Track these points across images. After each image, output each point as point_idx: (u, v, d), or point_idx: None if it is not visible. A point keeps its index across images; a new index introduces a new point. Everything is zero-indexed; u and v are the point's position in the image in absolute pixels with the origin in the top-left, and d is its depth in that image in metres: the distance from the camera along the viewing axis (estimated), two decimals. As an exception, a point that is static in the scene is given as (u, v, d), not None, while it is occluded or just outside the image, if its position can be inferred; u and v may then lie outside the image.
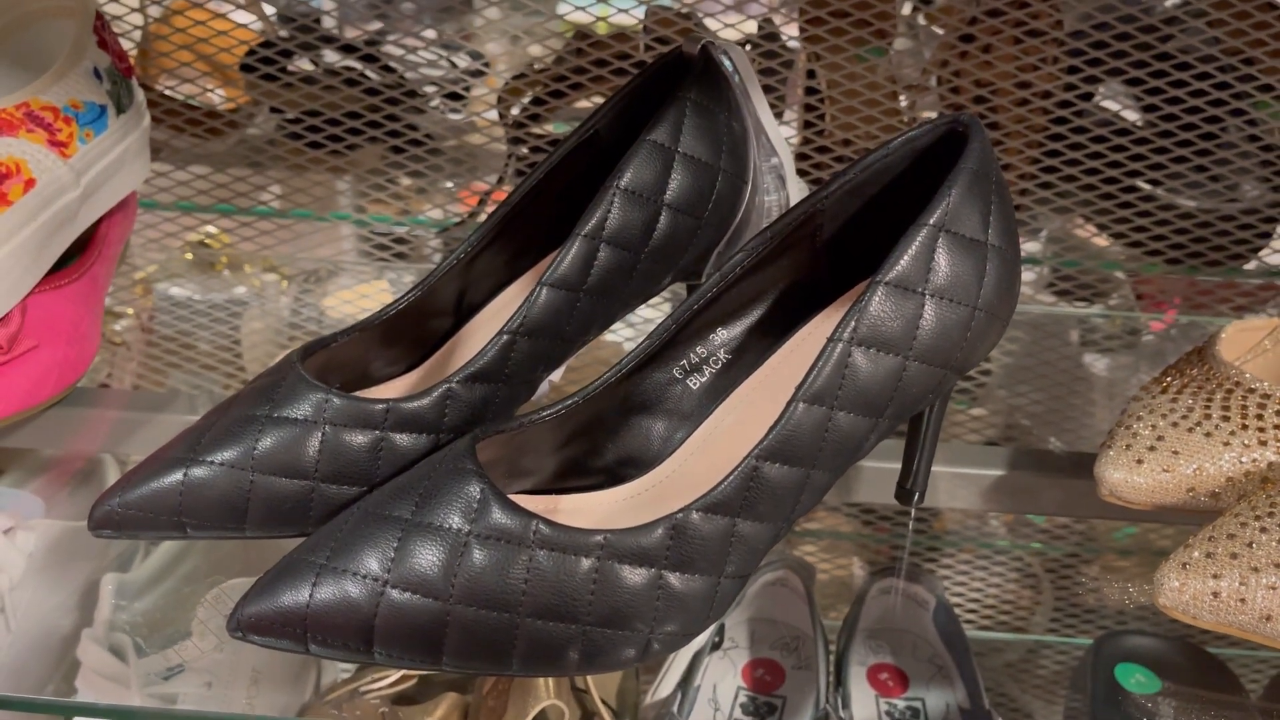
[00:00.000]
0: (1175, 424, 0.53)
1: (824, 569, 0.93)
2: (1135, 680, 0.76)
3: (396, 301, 0.55)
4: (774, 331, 0.51)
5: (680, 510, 0.42)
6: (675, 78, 0.55)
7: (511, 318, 0.50)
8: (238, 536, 0.48)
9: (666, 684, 0.72)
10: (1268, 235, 0.81)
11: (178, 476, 0.47)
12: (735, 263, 0.48)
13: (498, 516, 0.42)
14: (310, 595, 0.41)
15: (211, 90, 0.90)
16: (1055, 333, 0.88)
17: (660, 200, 0.51)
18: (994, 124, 0.78)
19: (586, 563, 0.41)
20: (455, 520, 0.42)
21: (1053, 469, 0.59)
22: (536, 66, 0.77)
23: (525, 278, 0.58)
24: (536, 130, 0.78)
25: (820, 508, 0.85)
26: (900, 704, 0.75)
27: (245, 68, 0.82)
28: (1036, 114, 0.77)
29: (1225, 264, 0.80)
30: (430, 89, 0.91)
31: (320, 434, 0.47)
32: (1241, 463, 0.51)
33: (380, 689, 0.70)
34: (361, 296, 0.92)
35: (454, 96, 0.91)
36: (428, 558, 0.41)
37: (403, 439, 0.48)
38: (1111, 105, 0.83)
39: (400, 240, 0.93)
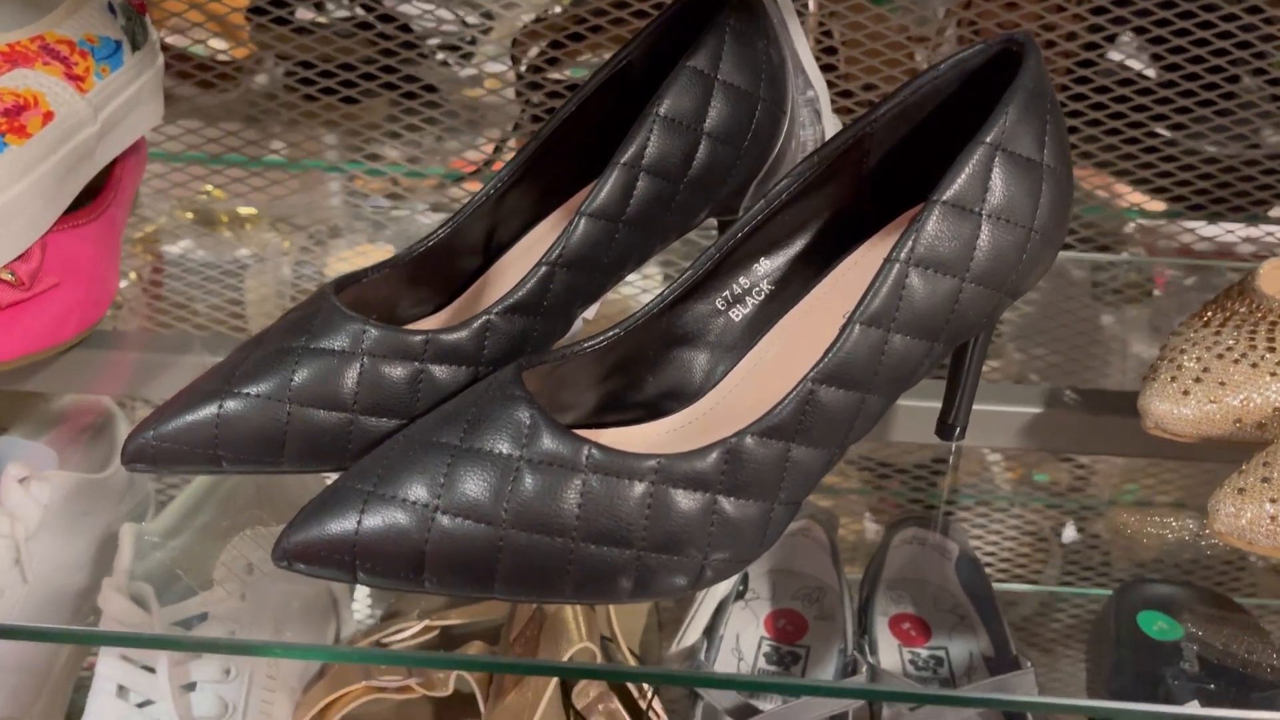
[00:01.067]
0: (1220, 356, 0.52)
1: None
2: (1158, 627, 0.76)
3: (426, 239, 0.54)
4: (817, 261, 0.50)
5: (734, 434, 0.41)
6: (711, 6, 0.53)
7: (550, 249, 0.49)
8: (274, 471, 0.47)
9: (691, 633, 0.71)
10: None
11: (213, 409, 0.46)
12: (781, 189, 0.47)
13: (549, 441, 0.41)
14: (359, 522, 0.40)
15: (214, 37, 0.88)
16: (1075, 280, 0.88)
17: (700, 129, 0.50)
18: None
19: (640, 487, 0.41)
20: (506, 445, 0.41)
21: (1089, 407, 0.58)
22: (555, 10, 0.76)
23: (556, 214, 0.57)
24: (555, 75, 0.76)
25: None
26: (924, 653, 0.75)
27: (255, 10, 0.80)
28: (1060, 57, 0.76)
29: (1248, 210, 0.80)
30: (435, 41, 0.90)
31: (359, 365, 0.46)
32: (1290, 394, 0.51)
33: (402, 640, 0.69)
34: (360, 256, 0.90)
35: (460, 46, 0.90)
36: (479, 483, 0.40)
37: (441, 371, 0.47)
38: (1115, 55, 0.82)
39: (395, 196, 0.92)
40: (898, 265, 0.42)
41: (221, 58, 0.89)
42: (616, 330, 0.47)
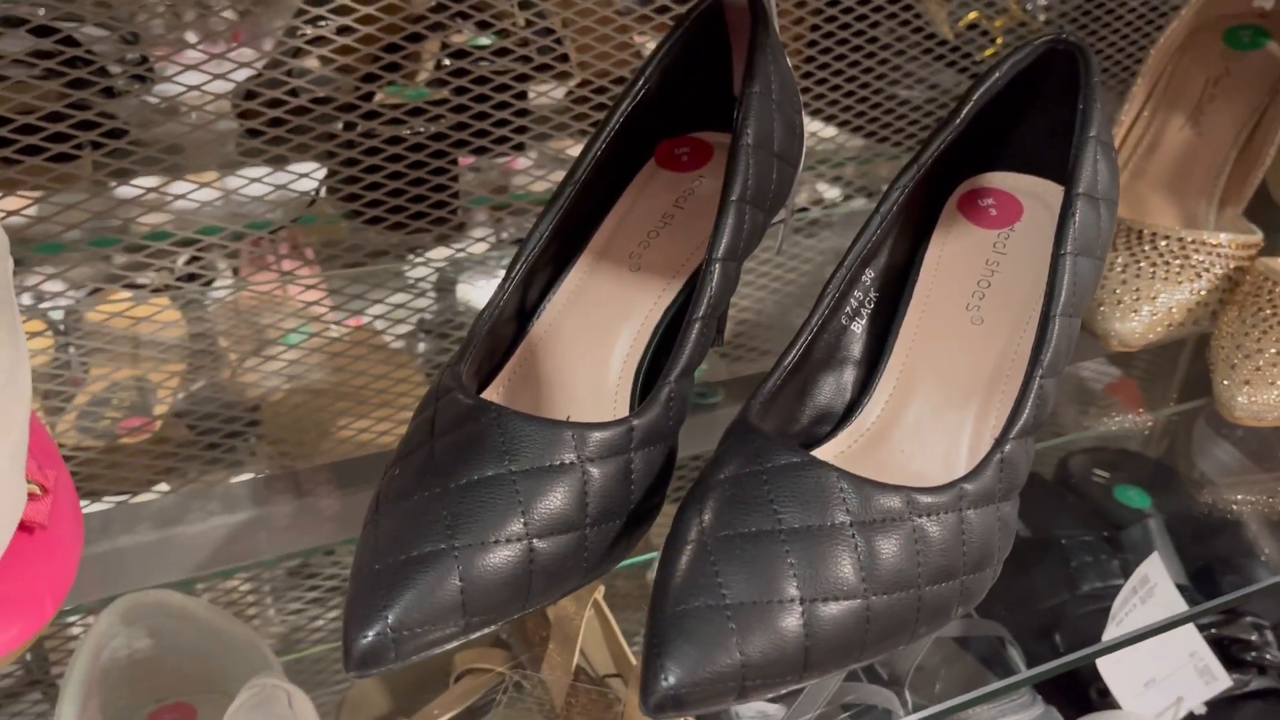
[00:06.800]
0: (1138, 275, 0.63)
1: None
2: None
3: (488, 311, 0.48)
4: (902, 260, 0.53)
5: (998, 443, 0.43)
6: (715, 27, 0.53)
7: (695, 304, 0.46)
8: (518, 616, 0.41)
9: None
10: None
11: (450, 573, 0.38)
12: (893, 201, 0.49)
13: (870, 500, 0.40)
14: (739, 643, 0.37)
15: None
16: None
17: (772, 152, 0.50)
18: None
19: (953, 517, 0.42)
20: (829, 515, 0.40)
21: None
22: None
23: (585, 258, 0.53)
24: (397, 101, 0.68)
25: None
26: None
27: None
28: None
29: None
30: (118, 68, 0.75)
31: (581, 474, 0.41)
32: (1192, 292, 0.63)
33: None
34: None
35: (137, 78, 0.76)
36: (832, 561, 0.39)
37: (644, 456, 0.44)
38: None
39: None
40: (1068, 258, 0.46)
41: None
42: (787, 363, 0.46)
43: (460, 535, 0.39)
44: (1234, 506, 0.86)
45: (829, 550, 0.39)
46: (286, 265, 0.90)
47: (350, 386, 0.76)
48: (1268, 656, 0.72)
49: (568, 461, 0.41)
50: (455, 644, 0.39)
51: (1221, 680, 0.69)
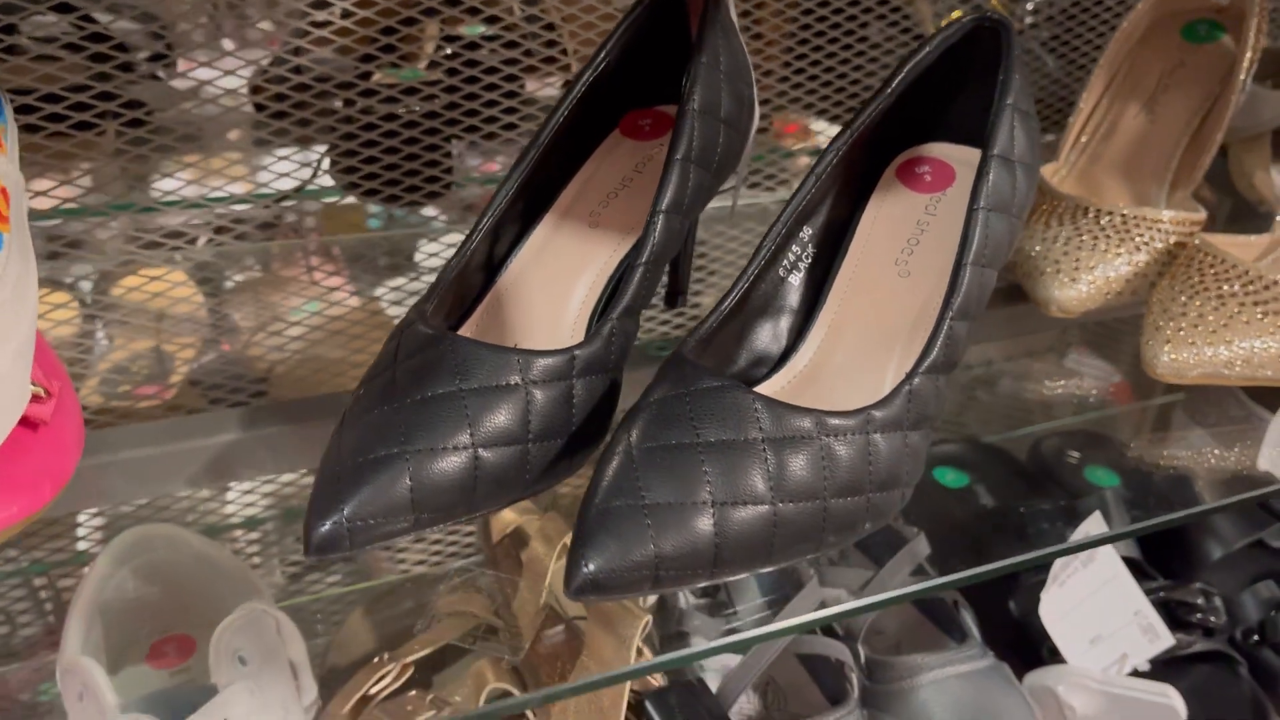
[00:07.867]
0: (1080, 247, 0.67)
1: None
2: (950, 478, 0.93)
3: (458, 258, 0.53)
4: (840, 219, 0.57)
5: (908, 377, 0.48)
6: (676, 6, 0.58)
7: (637, 250, 0.51)
8: (466, 518, 0.45)
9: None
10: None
11: (402, 473, 0.43)
12: (826, 163, 0.54)
13: (783, 420, 0.44)
14: (653, 538, 0.41)
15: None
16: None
17: (718, 118, 0.55)
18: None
19: (860, 439, 0.46)
20: (744, 431, 0.44)
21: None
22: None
23: (550, 216, 0.58)
24: (391, 80, 0.73)
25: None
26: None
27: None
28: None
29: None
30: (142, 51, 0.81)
31: (525, 395, 0.46)
32: (1131, 264, 0.67)
33: (386, 685, 0.67)
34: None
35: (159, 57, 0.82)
36: (743, 471, 0.43)
37: (585, 383, 0.48)
38: None
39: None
40: (981, 212, 0.50)
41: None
42: (723, 307, 0.51)
43: (412, 442, 0.44)
44: (1196, 489, 0.89)
45: (741, 461, 0.43)
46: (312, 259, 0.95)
47: (357, 358, 0.81)
48: (1211, 619, 0.75)
49: (513, 383, 0.46)
50: (405, 537, 0.44)
51: (1164, 638, 0.72)
